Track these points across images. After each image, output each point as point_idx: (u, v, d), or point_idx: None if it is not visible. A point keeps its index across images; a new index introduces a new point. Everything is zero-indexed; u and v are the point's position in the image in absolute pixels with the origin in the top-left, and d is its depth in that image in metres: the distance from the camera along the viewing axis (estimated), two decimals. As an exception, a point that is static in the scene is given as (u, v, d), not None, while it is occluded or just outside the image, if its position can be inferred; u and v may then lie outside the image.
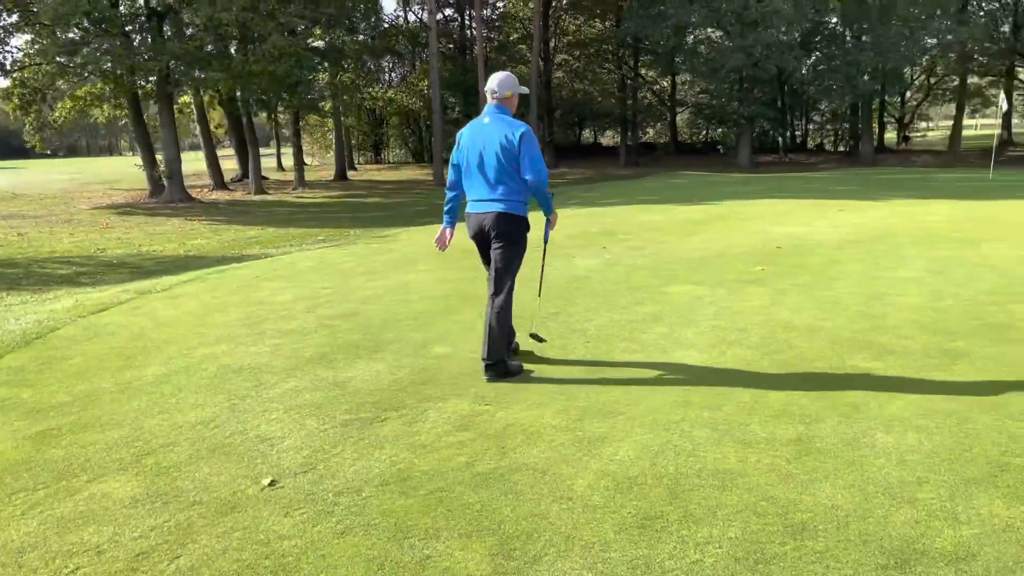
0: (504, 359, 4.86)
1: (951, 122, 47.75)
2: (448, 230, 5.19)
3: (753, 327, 5.80)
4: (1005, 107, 24.48)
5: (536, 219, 5.06)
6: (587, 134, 58.18)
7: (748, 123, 35.87)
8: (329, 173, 39.13)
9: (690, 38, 35.89)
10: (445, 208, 5.16)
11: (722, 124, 45.36)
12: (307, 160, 42.25)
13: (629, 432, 3.92)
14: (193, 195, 26.85)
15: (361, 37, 37.25)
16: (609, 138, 58.64)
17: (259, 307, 7.21)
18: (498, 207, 4.76)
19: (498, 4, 45.18)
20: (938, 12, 35.12)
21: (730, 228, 11.49)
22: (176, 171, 25.74)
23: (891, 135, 51.15)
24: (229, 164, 36.75)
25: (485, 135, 4.74)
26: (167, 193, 25.69)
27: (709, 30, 35.94)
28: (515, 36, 45.03)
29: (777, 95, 41.00)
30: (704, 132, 52.01)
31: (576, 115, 46.92)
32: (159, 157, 26.86)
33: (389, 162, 54.22)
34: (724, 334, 5.65)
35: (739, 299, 6.70)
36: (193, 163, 42.04)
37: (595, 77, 45.21)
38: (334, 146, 39.62)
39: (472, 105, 38.12)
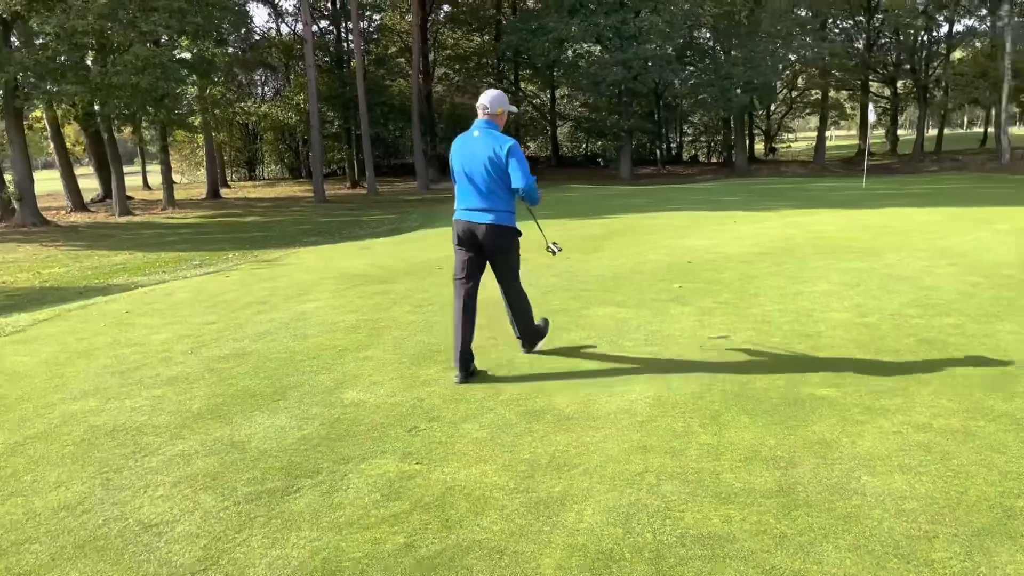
0: (534, 327, 5.54)
1: (812, 133, 50.47)
2: None
3: (690, 354, 5.42)
4: (873, 119, 25.71)
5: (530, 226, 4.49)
6: (469, 148, 57.74)
7: (628, 136, 36.44)
8: (200, 191, 37.07)
9: (570, 52, 36.16)
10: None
11: (602, 137, 46.05)
12: (176, 178, 39.88)
13: (589, 490, 3.41)
14: (49, 218, 24.66)
15: (231, 49, 35.58)
16: (491, 152, 58.43)
17: (132, 350, 6.29)
18: (488, 217, 5.03)
19: (375, 17, 44.29)
20: (795, 30, 36.91)
21: (634, 243, 11.25)
22: (28, 192, 23.56)
23: (758, 146, 53.38)
24: (89, 183, 34.19)
25: (474, 148, 4.98)
26: (18, 217, 23.46)
27: (586, 44, 36.31)
28: (394, 49, 44.25)
29: (654, 108, 41.92)
30: (584, 145, 52.71)
31: (458, 129, 46.42)
32: (8, 177, 24.55)
33: (264, 178, 52.13)
34: (659, 363, 5.25)
35: (667, 321, 6.34)
36: (48, 183, 39.00)
37: (476, 91, 44.91)
38: (205, 163, 37.60)
39: (352, 119, 37.07)
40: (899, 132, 53.02)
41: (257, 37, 41.86)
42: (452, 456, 3.85)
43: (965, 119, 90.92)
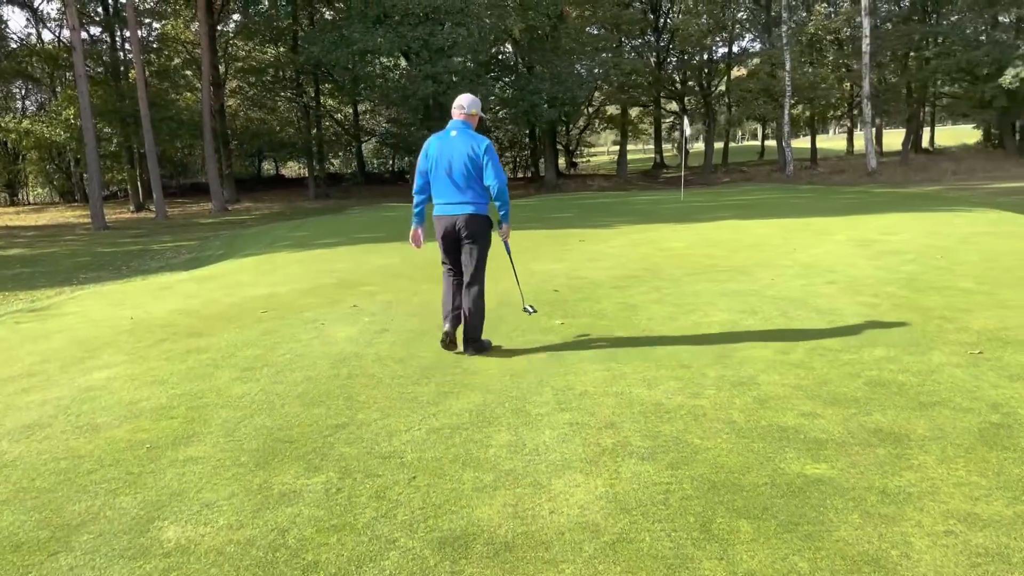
0: (481, 338, 5.80)
1: (603, 148, 52.37)
2: (419, 229, 5.93)
3: (620, 419, 4.33)
4: (688, 132, 26.36)
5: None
6: (268, 166, 54.66)
7: (439, 151, 35.45)
8: (-52, 220, 31.83)
9: (377, 64, 34.66)
10: (415, 210, 5.89)
11: (410, 153, 44.81)
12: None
13: None
14: None
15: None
16: (292, 169, 55.67)
17: None
18: (469, 208, 5.49)
19: (155, 24, 40.43)
20: (591, 48, 37.78)
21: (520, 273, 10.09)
22: None
23: (560, 160, 54.44)
24: None
25: (453, 146, 5.46)
26: None
27: (385, 59, 34.88)
28: (179, 60, 40.61)
29: (461, 123, 41.22)
30: (391, 162, 51.26)
31: (255, 146, 43.38)
32: None
33: (30, 203, 46.13)
34: (588, 435, 4.12)
35: (571, 373, 5.22)
36: None
37: (274, 105, 42.24)
38: (-47, 187, 32.34)
39: (134, 136, 33.32)
40: (689, 146, 56.06)
41: (13, 45, 36.86)
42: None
43: (739, 133, 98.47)
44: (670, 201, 20.59)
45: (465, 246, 5.59)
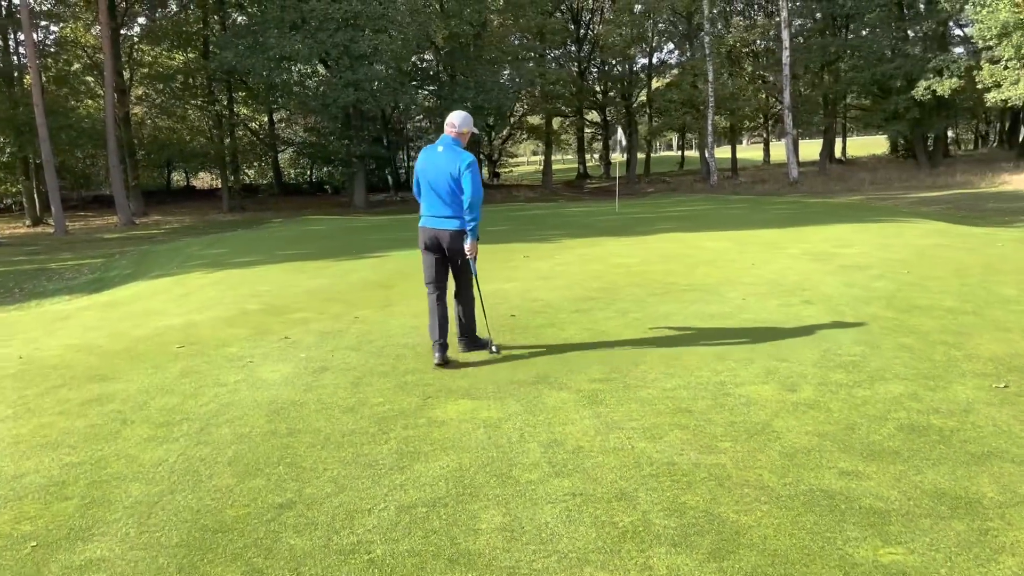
0: (475, 328, 6.09)
1: (523, 157, 52.02)
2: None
3: (631, 486, 3.58)
4: (625, 142, 26.02)
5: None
6: (178, 177, 52.23)
7: (361, 162, 34.33)
8: None
9: (294, 71, 33.26)
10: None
11: (328, 163, 43.44)
12: None
13: None
14: None
15: None
16: (204, 181, 53.34)
17: None
18: (454, 224, 5.61)
19: (52, 28, 37.97)
20: (513, 57, 37.35)
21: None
22: None
23: (483, 171, 53.81)
24: None
25: (439, 161, 5.58)
26: None
27: (299, 66, 33.51)
28: (79, 65, 38.20)
29: (382, 133, 40.16)
30: (309, 172, 49.65)
31: (164, 156, 41.19)
32: None
33: (-87, 218, 42.66)
34: (599, 510, 3.37)
35: (556, 421, 4.46)
36: None
37: (184, 113, 40.21)
38: None
39: (30, 145, 31.03)
40: (613, 157, 56.26)
41: None
42: None
43: (657, 144, 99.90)
44: (605, 212, 20.08)
45: (454, 261, 5.76)
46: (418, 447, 4.19)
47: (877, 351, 5.62)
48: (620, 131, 21.19)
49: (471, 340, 6.09)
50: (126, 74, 36.97)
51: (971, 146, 58.13)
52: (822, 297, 7.62)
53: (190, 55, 38.40)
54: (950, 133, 52.02)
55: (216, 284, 10.78)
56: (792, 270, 9.36)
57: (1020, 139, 40.65)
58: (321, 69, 34.31)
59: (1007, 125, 51.18)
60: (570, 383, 5.17)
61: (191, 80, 38.71)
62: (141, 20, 39.22)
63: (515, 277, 9.79)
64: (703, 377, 5.18)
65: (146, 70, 39.12)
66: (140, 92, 40.18)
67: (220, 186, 40.12)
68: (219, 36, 34.79)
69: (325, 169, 46.32)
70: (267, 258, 13.41)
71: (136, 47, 38.93)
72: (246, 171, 47.61)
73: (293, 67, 32.36)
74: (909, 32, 37.31)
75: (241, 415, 4.83)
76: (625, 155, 26.79)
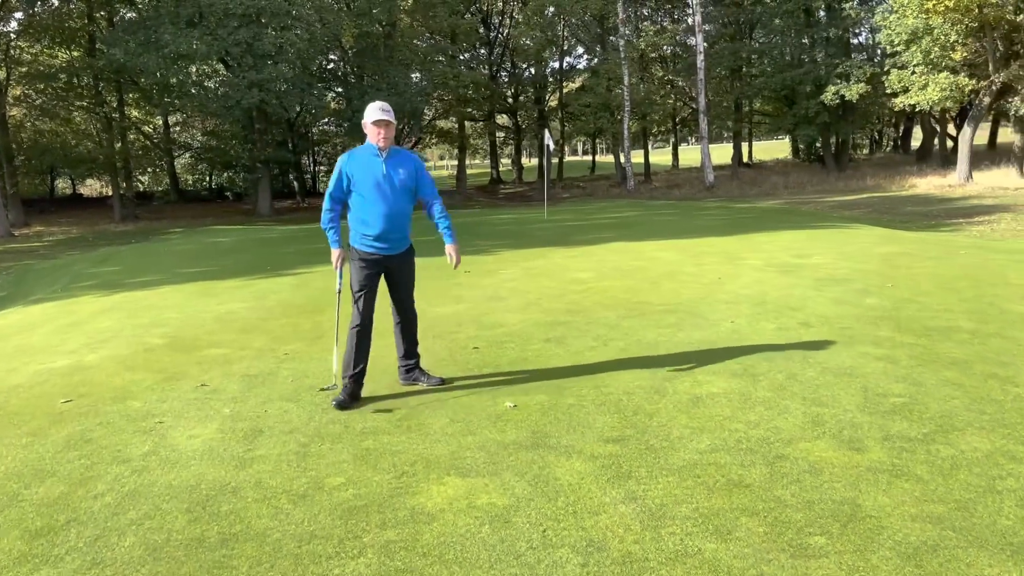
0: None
1: (431, 162, 50.95)
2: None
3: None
4: (553, 146, 25.16)
5: None
6: (63, 184, 48.63)
7: (266, 167, 32.42)
8: None
9: (192, 71, 31.08)
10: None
11: (229, 168, 41.13)
12: None
13: None
14: None
15: None
16: (92, 188, 49.88)
17: None
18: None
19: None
20: (421, 59, 36.19)
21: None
22: None
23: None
24: None
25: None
26: None
27: (197, 65, 31.38)
28: (-55, 62, 34.80)
29: (287, 136, 38.21)
30: (209, 178, 47.00)
31: (46, 162, 37.99)
32: None
33: None
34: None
35: (579, 510, 3.41)
36: None
37: (68, 116, 37.19)
38: None
39: None
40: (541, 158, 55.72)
41: None
42: None
43: (566, 148, 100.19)
44: (535, 220, 19.15)
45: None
46: (407, 561, 3.07)
47: (923, 389, 4.81)
48: (548, 134, 20.32)
49: (415, 369, 5.32)
50: (2, 73, 33.93)
51: (866, 151, 60.14)
52: (819, 318, 6.83)
53: (74, 53, 35.53)
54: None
55: (111, 311, 9.23)
56: (766, 285, 8.59)
57: (919, 144, 42.01)
58: (221, 69, 32.23)
59: (901, 130, 53.15)
60: (578, 445, 4.14)
61: (76, 80, 35.76)
62: (18, 15, 36.06)
63: (463, 297, 8.69)
64: (738, 431, 4.23)
65: (25, 69, 35.97)
66: (18, 93, 36.96)
67: (111, 194, 37.35)
68: (107, 32, 32.24)
69: (226, 175, 43.95)
70: (169, 277, 11.83)
71: (13, 44, 35.76)
72: (139, 177, 44.66)
73: (191, 66, 30.22)
74: (807, 39, 37.91)
75: (152, 511, 3.58)
76: (551, 159, 25.93)
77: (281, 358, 6.32)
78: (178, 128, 43.82)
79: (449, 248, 5.14)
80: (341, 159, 4.98)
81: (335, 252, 5.07)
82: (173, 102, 33.58)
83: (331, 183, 4.96)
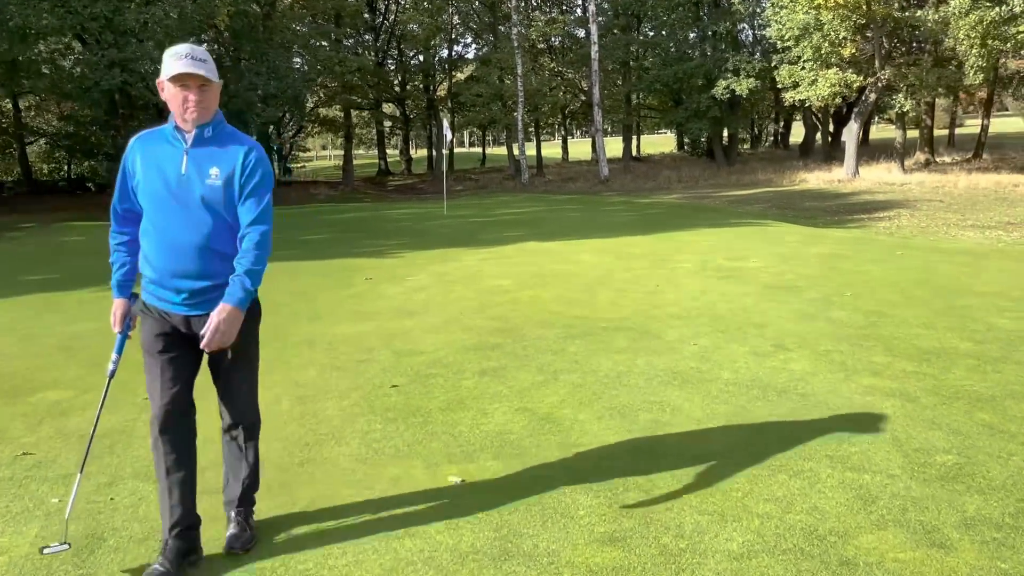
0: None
1: (312, 152, 48.68)
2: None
3: None
4: (449, 136, 23.82)
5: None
6: None
7: (132, 156, 29.59)
8: None
9: (42, 48, 27.93)
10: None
11: (90, 157, 37.66)
12: None
13: None
14: None
15: None
16: (-71, 177, 44.79)
17: None
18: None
19: None
20: (302, 41, 34.17)
21: (277, 336, 6.61)
22: None
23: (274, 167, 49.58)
24: None
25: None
26: None
27: (49, 41, 28.27)
28: None
29: (156, 122, 35.22)
30: (67, 168, 43.04)
31: None
32: None
33: None
34: None
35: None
36: None
37: None
38: None
39: None
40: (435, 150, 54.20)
41: None
42: None
43: (455, 140, 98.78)
44: (434, 216, 17.81)
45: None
46: None
47: (968, 441, 3.91)
48: (446, 123, 19.04)
49: (251, 503, 3.25)
50: None
51: (747, 145, 61.71)
52: (793, 339, 5.92)
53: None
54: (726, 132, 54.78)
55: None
56: (713, 294, 7.68)
57: (801, 139, 43.07)
58: (78, 46, 29.19)
59: (782, 125, 54.69)
60: (565, 553, 2.97)
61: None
62: None
63: (367, 312, 7.36)
64: (771, 518, 3.17)
65: None
66: None
67: (-51, 184, 33.42)
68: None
69: (87, 164, 40.26)
70: (3, 287, 9.86)
71: None
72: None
73: (40, 42, 27.14)
74: (694, 33, 38.09)
75: None
76: (450, 150, 24.71)
77: (141, 405, 4.86)
78: (31, 112, 39.87)
79: (218, 311, 2.81)
80: (129, 146, 3.03)
81: (115, 303, 3.05)
82: (22, 83, 30.21)
83: (116, 188, 3.03)
